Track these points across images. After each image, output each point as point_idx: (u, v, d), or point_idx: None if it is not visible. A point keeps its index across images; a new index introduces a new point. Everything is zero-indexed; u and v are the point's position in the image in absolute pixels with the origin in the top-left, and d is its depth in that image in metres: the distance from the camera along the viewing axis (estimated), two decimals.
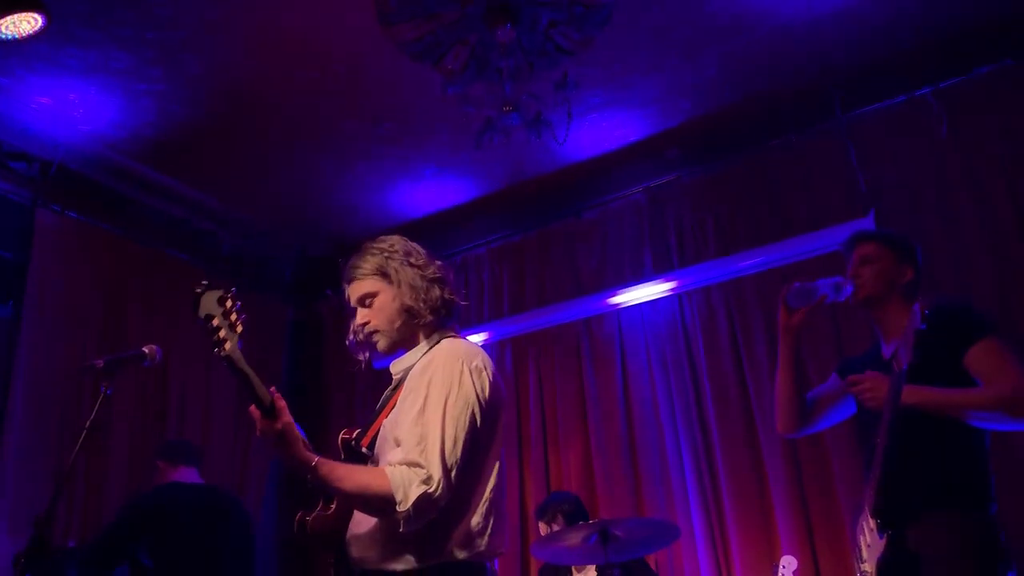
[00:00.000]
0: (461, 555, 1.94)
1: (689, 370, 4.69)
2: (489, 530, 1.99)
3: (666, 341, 4.82)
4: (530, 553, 4.52)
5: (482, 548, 1.97)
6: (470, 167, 5.12)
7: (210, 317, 1.86)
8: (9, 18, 3.48)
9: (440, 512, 1.91)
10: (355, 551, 2.01)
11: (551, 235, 5.39)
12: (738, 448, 4.41)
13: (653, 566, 3.99)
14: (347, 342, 2.20)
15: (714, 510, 4.40)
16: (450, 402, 1.95)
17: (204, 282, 1.90)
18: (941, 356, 2.41)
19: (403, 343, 2.16)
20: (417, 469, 1.88)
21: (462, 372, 2.00)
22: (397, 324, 2.13)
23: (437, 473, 1.88)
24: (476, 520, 1.98)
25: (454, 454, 1.91)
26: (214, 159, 4.97)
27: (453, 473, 1.90)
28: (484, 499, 2.00)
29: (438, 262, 2.22)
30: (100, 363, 2.37)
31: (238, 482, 5.16)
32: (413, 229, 5.68)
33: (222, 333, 1.85)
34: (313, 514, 2.04)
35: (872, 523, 2.44)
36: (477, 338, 5.37)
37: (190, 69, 4.20)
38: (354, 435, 2.15)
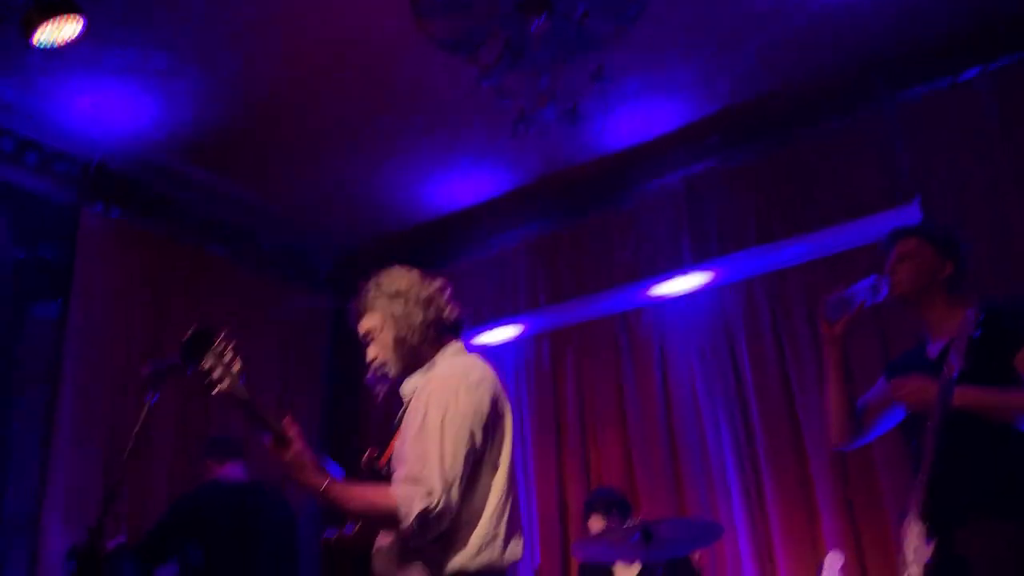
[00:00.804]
0: (474, 566, 2.03)
1: (730, 364, 4.63)
2: (501, 539, 2.07)
3: (706, 334, 4.75)
4: (571, 551, 4.52)
5: (495, 558, 2.05)
6: (504, 158, 5.08)
7: (201, 361, 1.95)
8: (50, 23, 3.52)
9: (450, 525, 2.01)
10: (377, 565, 2.13)
11: (587, 226, 5.34)
12: (781, 443, 4.35)
13: (695, 562, 3.97)
14: (366, 380, 2.32)
15: (757, 506, 4.35)
16: (447, 419, 2.05)
17: (193, 328, 2.00)
18: (991, 358, 2.35)
19: (410, 367, 2.27)
20: (418, 486, 1.97)
21: (458, 389, 2.09)
22: (396, 353, 2.26)
23: (438, 488, 1.96)
24: (486, 531, 2.06)
25: (454, 469, 2.00)
26: (252, 156, 5.00)
27: (454, 487, 1.99)
28: (494, 509, 2.08)
29: (433, 283, 2.34)
30: (145, 372, 2.40)
31: (281, 477, 5.22)
32: (448, 222, 5.70)
33: (216, 374, 1.95)
34: (339, 533, 2.17)
35: (919, 527, 2.40)
36: (512, 331, 5.36)
37: (226, 68, 4.23)
38: (376, 454, 2.28)
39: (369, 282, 2.34)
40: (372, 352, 2.31)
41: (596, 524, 3.92)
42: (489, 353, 5.47)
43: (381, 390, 2.32)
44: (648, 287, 4.96)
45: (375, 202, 5.48)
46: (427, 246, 5.87)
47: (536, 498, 5.05)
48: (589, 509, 4.02)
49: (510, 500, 2.13)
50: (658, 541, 3.29)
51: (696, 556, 3.97)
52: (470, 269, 5.74)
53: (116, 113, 4.50)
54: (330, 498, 2.00)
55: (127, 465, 2.39)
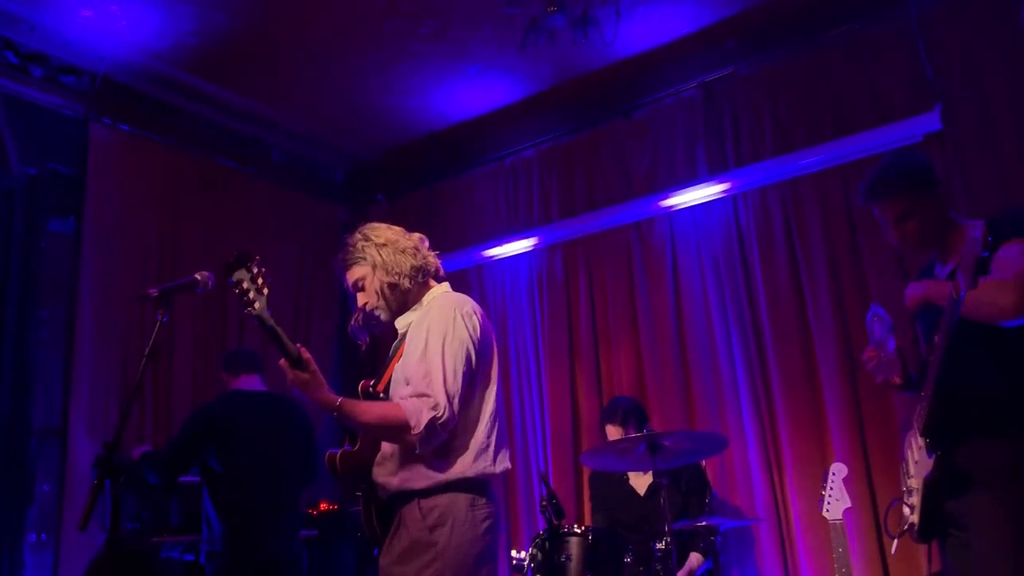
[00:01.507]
0: (472, 472, 2.28)
1: (743, 274, 4.60)
2: (492, 449, 2.33)
3: (719, 244, 4.72)
4: (580, 460, 4.61)
5: (486, 465, 2.31)
6: (516, 65, 4.96)
7: (239, 281, 2.15)
8: None
9: (449, 435, 2.26)
10: (379, 477, 2.35)
11: (601, 135, 5.25)
12: (791, 354, 4.36)
13: (702, 467, 4.05)
14: (348, 329, 2.49)
15: (766, 416, 4.39)
16: (447, 343, 2.30)
17: (235, 252, 2.16)
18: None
19: (400, 308, 2.50)
20: (425, 399, 2.22)
21: (455, 318, 2.34)
22: (387, 297, 2.47)
23: (442, 401, 2.22)
24: (480, 441, 2.31)
25: (455, 384, 2.26)
26: (259, 66, 4.93)
27: (455, 400, 2.25)
28: (485, 423, 2.34)
29: (414, 235, 2.56)
30: (155, 292, 2.43)
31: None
32: (459, 132, 5.62)
33: (251, 295, 2.14)
34: (340, 451, 2.39)
35: (921, 441, 2.42)
36: (526, 243, 5.36)
37: None
38: (371, 383, 2.46)
39: (355, 235, 2.52)
40: (363, 299, 2.48)
41: (613, 433, 3.98)
42: (503, 265, 5.51)
43: (364, 340, 2.50)
44: (662, 198, 4.90)
45: (386, 110, 5.41)
46: (439, 157, 5.82)
47: (549, 408, 5.13)
48: (605, 418, 4.08)
49: (498, 416, 2.39)
50: (664, 452, 3.35)
51: (703, 463, 4.06)
52: (483, 180, 5.70)
53: (118, 24, 4.43)
54: (345, 412, 2.21)
55: (143, 381, 2.50)
